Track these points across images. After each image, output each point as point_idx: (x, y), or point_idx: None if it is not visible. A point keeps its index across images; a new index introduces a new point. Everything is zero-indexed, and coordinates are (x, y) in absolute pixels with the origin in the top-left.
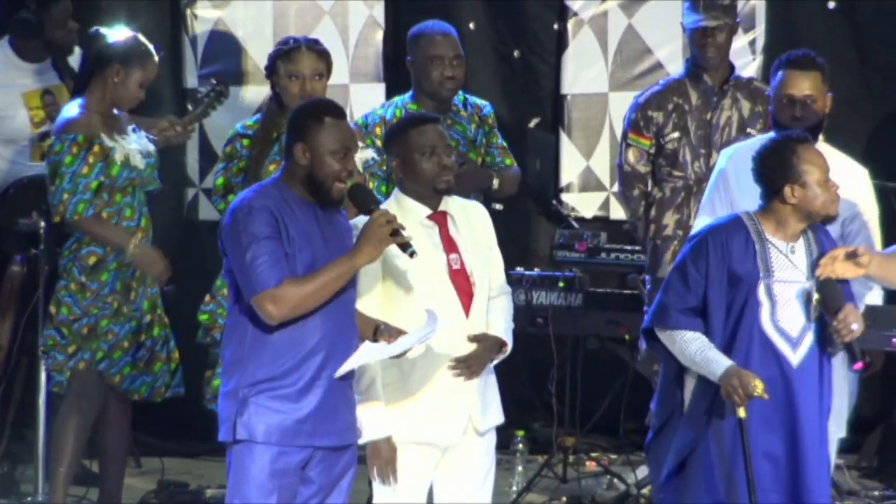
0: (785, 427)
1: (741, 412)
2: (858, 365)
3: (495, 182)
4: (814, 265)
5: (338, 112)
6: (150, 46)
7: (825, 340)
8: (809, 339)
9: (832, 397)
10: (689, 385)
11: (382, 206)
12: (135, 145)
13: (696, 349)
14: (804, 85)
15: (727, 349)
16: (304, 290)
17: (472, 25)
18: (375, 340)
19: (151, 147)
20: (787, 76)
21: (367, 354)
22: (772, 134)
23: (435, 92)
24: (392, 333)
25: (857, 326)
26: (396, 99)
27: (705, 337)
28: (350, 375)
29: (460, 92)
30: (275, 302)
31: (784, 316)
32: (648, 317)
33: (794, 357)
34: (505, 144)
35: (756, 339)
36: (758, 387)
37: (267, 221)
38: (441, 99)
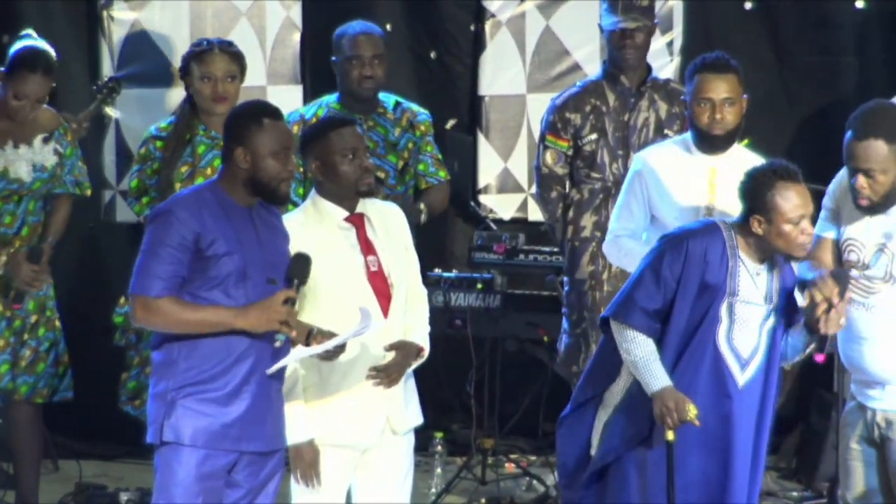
0: (720, 446)
1: (670, 435)
2: (821, 357)
3: (423, 217)
4: (772, 294)
5: (275, 113)
6: (41, 61)
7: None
8: (758, 360)
9: (772, 419)
10: (624, 380)
11: (299, 210)
12: (28, 156)
13: (643, 354)
14: (721, 88)
15: (677, 359)
16: (176, 316)
17: (388, 27)
18: (308, 345)
19: (51, 161)
20: (704, 80)
21: (300, 354)
22: (688, 135)
23: (354, 91)
24: (325, 336)
25: (843, 322)
26: (322, 99)
27: (655, 346)
28: (280, 380)
29: (394, 97)
30: (146, 310)
31: (739, 336)
32: (613, 306)
33: (742, 378)
34: (440, 156)
35: (709, 355)
36: (691, 412)
37: (181, 234)
38: (361, 98)
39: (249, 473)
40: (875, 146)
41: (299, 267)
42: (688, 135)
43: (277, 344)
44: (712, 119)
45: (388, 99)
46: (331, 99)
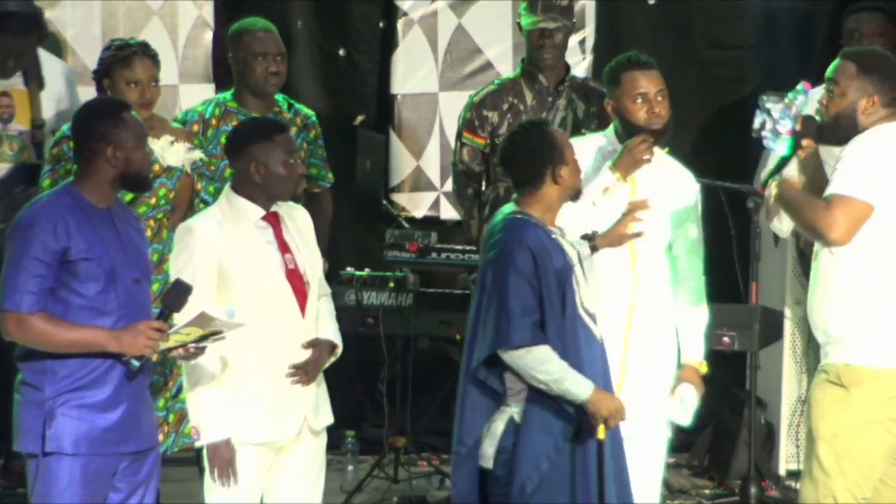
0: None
1: (603, 434)
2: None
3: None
4: (573, 244)
5: (129, 106)
6: None
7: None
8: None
9: None
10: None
11: (214, 208)
12: None
13: (560, 368)
14: (653, 82)
15: (564, 344)
16: (50, 335)
17: (298, 24)
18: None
19: None
20: (635, 77)
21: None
22: (609, 134)
23: (259, 88)
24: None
25: None
26: (217, 96)
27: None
28: (149, 377)
29: (284, 96)
30: (18, 326)
31: (585, 297)
32: (497, 338)
33: (598, 331)
34: (326, 156)
35: (579, 326)
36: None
37: (46, 245)
38: (265, 95)
39: (128, 474)
40: None
41: (176, 296)
42: (609, 133)
43: (135, 365)
44: (651, 114)
45: (279, 99)
46: (226, 97)
